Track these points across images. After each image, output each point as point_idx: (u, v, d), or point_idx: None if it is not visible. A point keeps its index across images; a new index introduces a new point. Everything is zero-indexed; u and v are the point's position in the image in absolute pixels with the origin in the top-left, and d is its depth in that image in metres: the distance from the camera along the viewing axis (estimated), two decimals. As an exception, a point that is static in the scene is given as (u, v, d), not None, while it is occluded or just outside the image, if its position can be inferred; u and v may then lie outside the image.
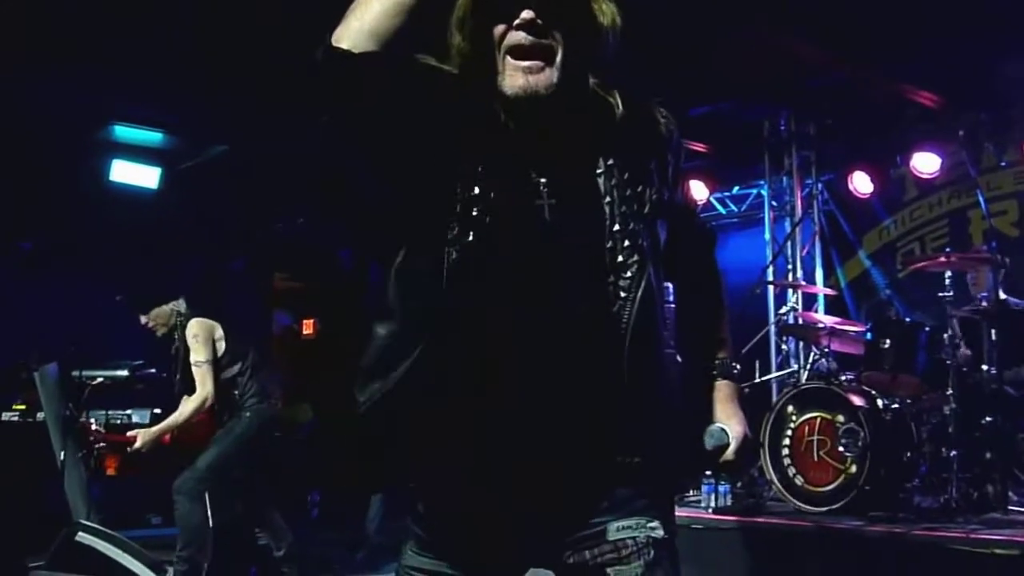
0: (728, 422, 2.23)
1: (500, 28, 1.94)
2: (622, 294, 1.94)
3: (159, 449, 5.94)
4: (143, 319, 6.09)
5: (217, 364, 5.85)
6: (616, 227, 1.96)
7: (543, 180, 1.96)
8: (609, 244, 1.95)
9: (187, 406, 5.82)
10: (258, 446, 6.01)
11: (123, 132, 8.52)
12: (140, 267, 9.16)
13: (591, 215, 1.96)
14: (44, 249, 9.42)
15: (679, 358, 2.29)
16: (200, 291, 6.45)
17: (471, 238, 1.89)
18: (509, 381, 1.91)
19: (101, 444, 6.49)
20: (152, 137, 8.67)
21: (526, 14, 1.91)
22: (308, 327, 12.43)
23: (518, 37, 1.93)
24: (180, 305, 6.04)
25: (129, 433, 5.87)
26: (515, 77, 1.93)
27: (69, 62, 6.91)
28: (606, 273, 1.94)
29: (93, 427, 6.46)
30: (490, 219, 1.90)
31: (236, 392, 5.93)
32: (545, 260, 1.93)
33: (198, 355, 5.79)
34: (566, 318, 1.92)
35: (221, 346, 5.92)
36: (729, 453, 2.20)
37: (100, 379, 6.77)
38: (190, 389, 5.87)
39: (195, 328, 5.86)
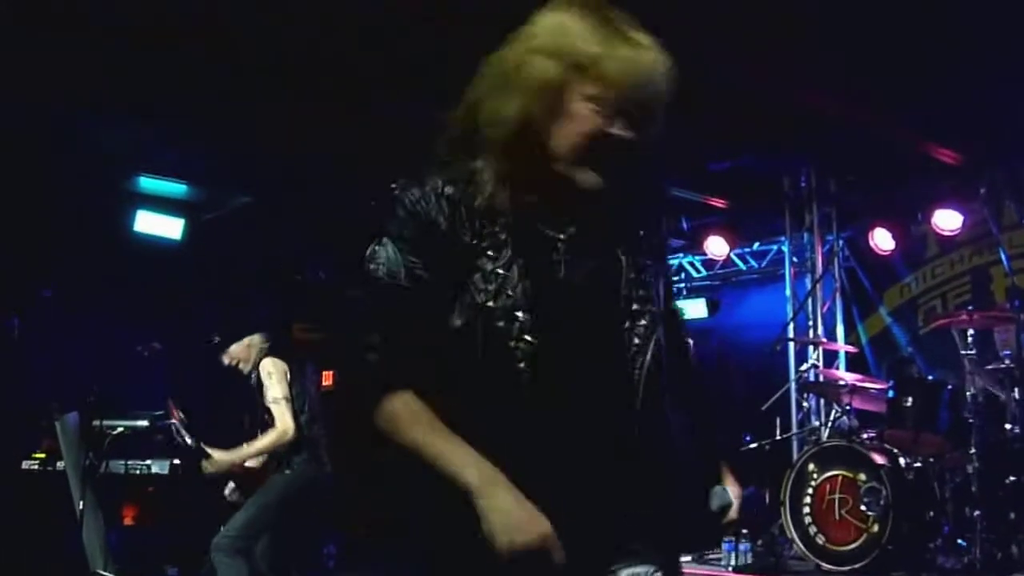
0: (726, 483, 2.27)
1: (598, 118, 1.90)
2: (636, 342, 2.00)
3: (224, 477, 5.91)
4: (224, 359, 6.10)
5: (292, 402, 5.85)
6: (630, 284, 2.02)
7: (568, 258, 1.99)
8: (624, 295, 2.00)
9: (266, 439, 5.78)
10: (302, 503, 5.97)
11: (148, 183, 8.61)
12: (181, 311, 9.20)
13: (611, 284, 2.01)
14: (66, 297, 9.48)
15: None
16: (275, 330, 6.44)
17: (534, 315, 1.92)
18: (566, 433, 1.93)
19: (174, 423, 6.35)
20: (176, 189, 8.75)
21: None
22: (327, 378, 12.42)
23: (618, 131, 1.90)
24: (257, 340, 6.07)
25: (208, 451, 5.82)
26: (591, 172, 1.92)
27: (96, 113, 7.01)
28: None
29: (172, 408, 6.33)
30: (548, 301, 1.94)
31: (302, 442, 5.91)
32: (604, 324, 1.99)
33: (275, 392, 5.77)
34: (611, 377, 1.97)
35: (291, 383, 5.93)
36: (732, 512, 2.24)
37: (121, 429, 6.77)
38: (260, 427, 5.88)
39: (269, 366, 5.84)
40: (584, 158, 1.91)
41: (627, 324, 1.99)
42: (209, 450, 5.79)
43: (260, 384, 5.88)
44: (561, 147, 1.92)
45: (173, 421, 5.89)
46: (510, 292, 1.92)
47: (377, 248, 2.01)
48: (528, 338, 1.90)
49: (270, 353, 5.99)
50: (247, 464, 5.94)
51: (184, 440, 5.89)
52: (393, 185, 2.06)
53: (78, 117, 7.08)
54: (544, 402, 1.91)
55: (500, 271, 1.93)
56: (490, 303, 1.92)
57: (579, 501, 1.91)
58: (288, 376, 5.90)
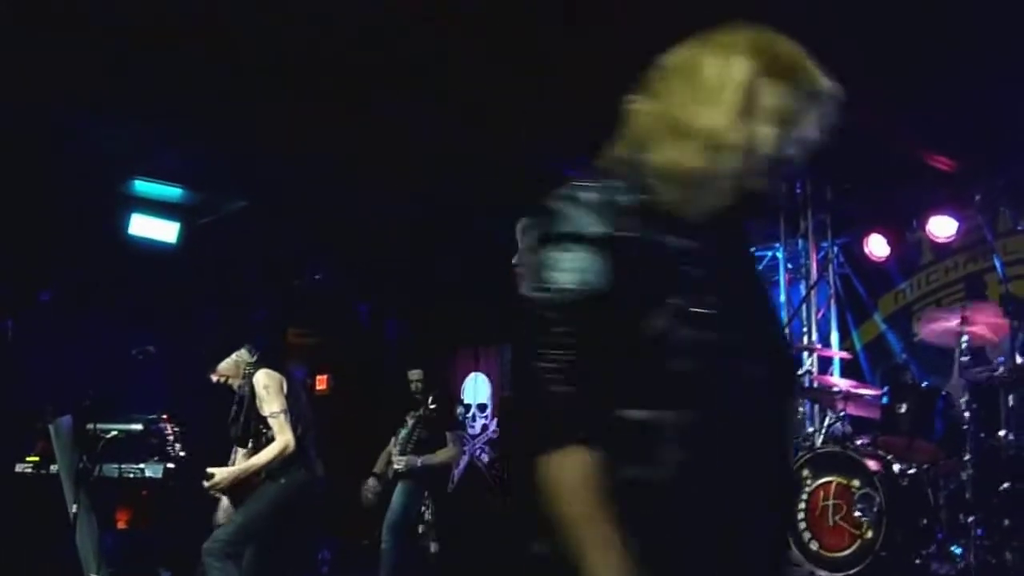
0: None
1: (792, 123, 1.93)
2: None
3: (227, 490, 5.90)
4: (213, 377, 6.11)
5: (288, 413, 5.85)
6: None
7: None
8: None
9: (267, 452, 5.78)
10: (291, 512, 5.97)
11: (143, 187, 8.60)
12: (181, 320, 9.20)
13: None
14: (62, 301, 9.47)
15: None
16: (264, 342, 6.43)
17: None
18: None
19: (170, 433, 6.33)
20: (172, 192, 8.75)
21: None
22: (321, 383, 12.43)
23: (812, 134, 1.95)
24: (244, 355, 6.06)
25: (209, 470, 5.81)
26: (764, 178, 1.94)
27: (92, 116, 7.01)
28: None
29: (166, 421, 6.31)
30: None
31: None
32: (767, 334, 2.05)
33: (273, 406, 5.78)
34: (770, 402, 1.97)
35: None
36: None
37: (114, 432, 6.76)
38: (252, 438, 5.88)
39: (264, 379, 5.85)
40: (764, 172, 1.92)
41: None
42: (210, 469, 5.79)
43: (253, 397, 5.88)
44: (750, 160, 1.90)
45: (168, 433, 5.89)
46: (706, 300, 1.85)
47: (556, 254, 1.86)
48: (716, 348, 1.84)
49: (261, 365, 5.99)
50: None
51: (173, 452, 5.89)
52: (564, 189, 1.96)
53: (73, 120, 7.07)
54: (725, 418, 1.85)
55: (695, 279, 1.87)
56: (692, 309, 1.83)
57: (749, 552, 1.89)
58: (284, 388, 5.91)
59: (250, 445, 5.94)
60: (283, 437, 5.74)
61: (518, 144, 7.61)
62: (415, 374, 7.87)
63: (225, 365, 6.07)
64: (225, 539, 5.71)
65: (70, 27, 5.75)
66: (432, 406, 7.58)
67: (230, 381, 6.09)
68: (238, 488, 5.91)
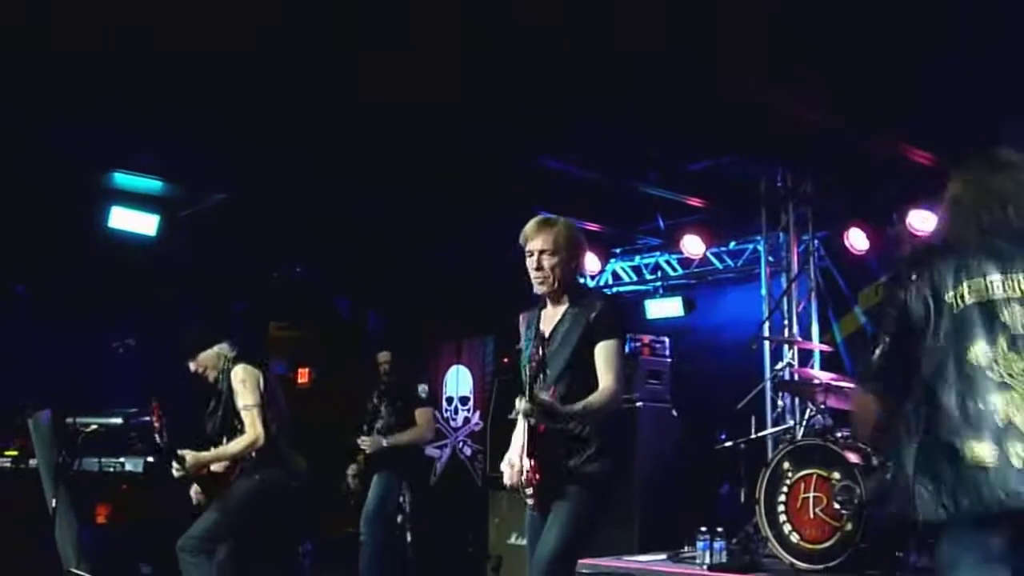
0: None
1: None
2: None
3: (197, 477, 5.90)
4: (191, 366, 6.10)
5: (264, 409, 5.84)
6: None
7: None
8: None
9: (237, 444, 5.79)
10: (265, 509, 5.98)
11: (123, 179, 8.55)
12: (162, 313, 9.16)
13: None
14: (40, 294, 9.41)
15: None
16: (245, 337, 6.43)
17: None
18: None
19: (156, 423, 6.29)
20: (151, 185, 8.70)
21: None
22: (303, 376, 12.42)
23: None
24: (225, 349, 6.06)
25: (180, 452, 5.79)
26: None
27: (70, 108, 6.95)
28: None
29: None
30: None
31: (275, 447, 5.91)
32: None
33: (247, 399, 5.81)
34: None
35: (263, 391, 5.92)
36: None
37: (94, 426, 6.74)
38: (227, 433, 5.88)
39: (242, 374, 5.89)
40: None
41: None
42: (181, 451, 5.77)
43: (230, 390, 5.89)
44: None
45: (155, 422, 5.87)
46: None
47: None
48: None
49: (240, 360, 5.99)
50: (212, 468, 5.93)
51: (160, 440, 5.88)
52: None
53: (52, 112, 7.01)
54: None
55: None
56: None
57: None
58: (261, 384, 5.91)
59: (225, 440, 5.95)
60: (253, 431, 5.76)
61: (499, 139, 7.61)
62: (383, 355, 7.88)
63: (206, 355, 6.08)
64: (199, 535, 5.73)
65: (45, 19, 5.70)
66: (387, 378, 7.63)
67: (207, 372, 6.09)
68: (211, 482, 5.91)
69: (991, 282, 2.96)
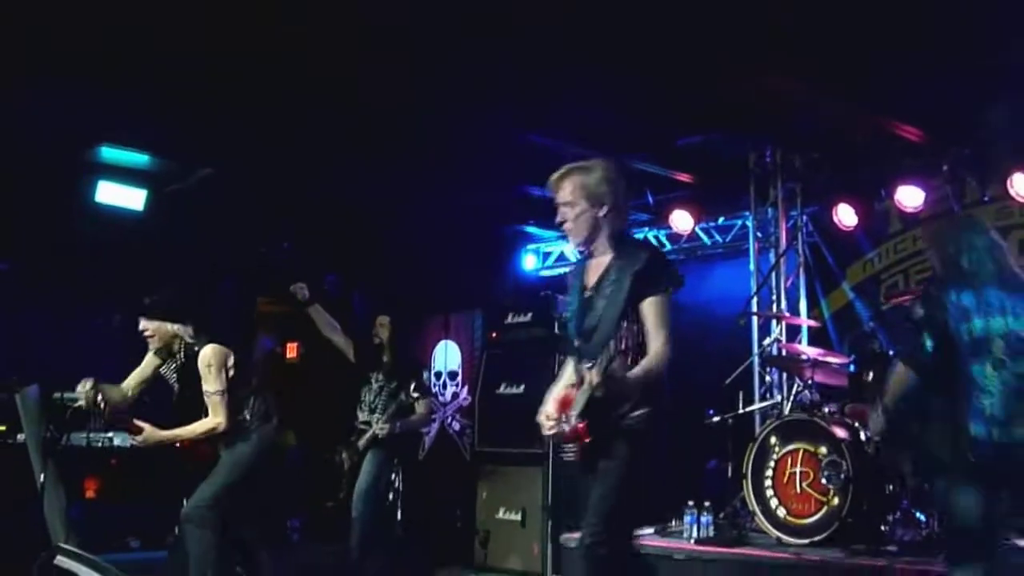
0: None
1: None
2: None
3: (157, 450, 5.90)
4: (143, 324, 6.02)
5: (231, 392, 5.82)
6: None
7: None
8: None
9: (199, 426, 5.77)
10: (263, 468, 5.98)
11: (110, 153, 8.49)
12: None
13: None
14: (26, 269, 9.36)
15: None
16: (215, 318, 6.38)
17: None
18: None
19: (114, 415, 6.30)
20: (139, 159, 8.65)
21: None
22: (291, 351, 12.39)
23: None
24: (185, 332, 5.99)
25: (137, 422, 5.77)
26: None
27: (56, 82, 6.90)
28: None
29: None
30: None
31: (245, 414, 5.89)
32: None
33: (213, 385, 5.75)
34: None
35: (231, 372, 5.88)
36: None
37: (81, 402, 6.71)
38: (188, 413, 5.86)
39: (209, 357, 5.79)
40: None
41: None
42: (140, 423, 5.76)
43: (193, 372, 5.84)
44: None
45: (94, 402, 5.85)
46: None
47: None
48: None
49: (207, 340, 5.93)
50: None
51: (103, 416, 5.88)
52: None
53: (39, 85, 6.96)
54: None
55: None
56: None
57: None
58: (229, 363, 5.85)
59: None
60: (216, 417, 5.74)
61: (483, 113, 7.58)
62: (383, 319, 7.87)
63: (161, 326, 5.99)
64: (204, 504, 5.71)
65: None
66: (386, 358, 7.66)
67: (151, 340, 6.00)
68: (189, 452, 5.93)
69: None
